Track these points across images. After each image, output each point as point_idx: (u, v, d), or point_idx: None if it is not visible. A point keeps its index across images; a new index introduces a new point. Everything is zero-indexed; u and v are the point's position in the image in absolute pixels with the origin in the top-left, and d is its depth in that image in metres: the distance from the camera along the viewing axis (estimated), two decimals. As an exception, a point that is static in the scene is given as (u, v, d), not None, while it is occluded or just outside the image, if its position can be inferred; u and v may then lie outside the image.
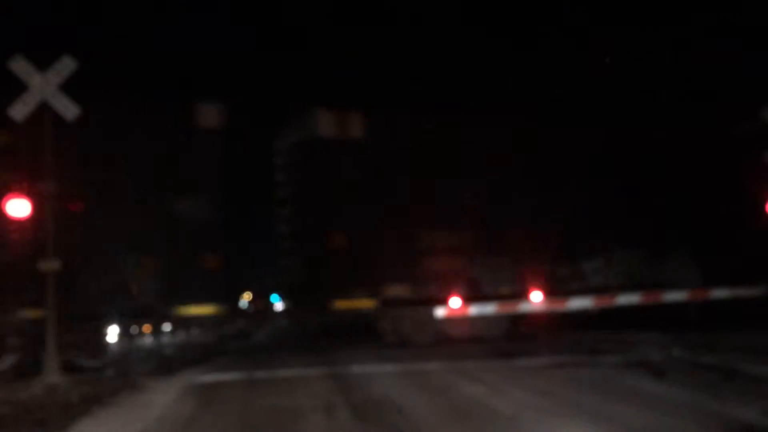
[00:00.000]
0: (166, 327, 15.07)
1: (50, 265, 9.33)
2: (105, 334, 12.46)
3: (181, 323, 14.12)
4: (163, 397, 8.11)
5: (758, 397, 6.69)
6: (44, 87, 9.37)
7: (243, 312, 16.23)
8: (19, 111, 9.34)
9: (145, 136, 11.33)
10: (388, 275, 12.55)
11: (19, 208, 9.43)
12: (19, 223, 9.77)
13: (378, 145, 12.45)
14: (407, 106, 13.44)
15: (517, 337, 12.80)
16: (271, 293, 15.63)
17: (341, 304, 12.28)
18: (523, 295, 12.67)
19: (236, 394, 8.12)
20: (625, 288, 13.08)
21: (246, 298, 15.57)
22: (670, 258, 13.48)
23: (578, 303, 12.88)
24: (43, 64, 9.44)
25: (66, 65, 9.48)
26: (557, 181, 12.87)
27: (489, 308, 12.52)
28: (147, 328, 14.76)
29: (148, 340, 15.16)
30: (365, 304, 12.41)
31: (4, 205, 9.42)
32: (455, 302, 12.35)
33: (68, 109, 9.46)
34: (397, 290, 12.54)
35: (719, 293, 13.12)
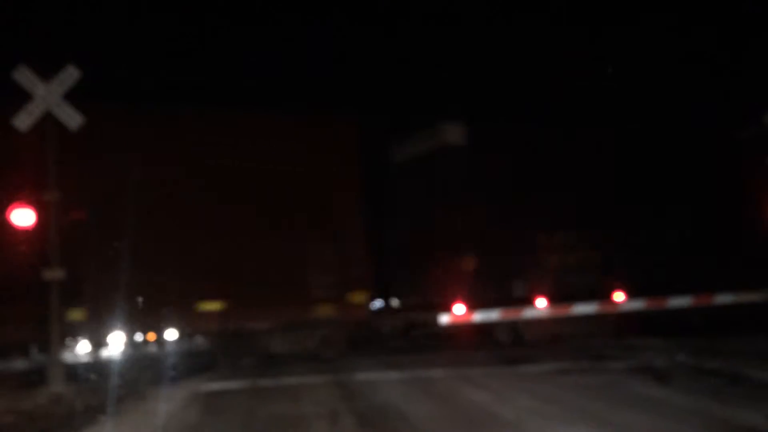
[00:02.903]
0: (171, 335, 15.05)
1: (54, 274, 9.37)
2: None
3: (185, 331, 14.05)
4: (168, 405, 8.11)
5: (763, 402, 6.69)
6: (48, 97, 9.42)
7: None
8: (23, 121, 9.38)
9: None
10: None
11: (24, 217, 9.51)
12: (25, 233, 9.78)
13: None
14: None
15: None
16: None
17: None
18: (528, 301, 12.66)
19: (241, 402, 8.12)
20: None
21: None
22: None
23: (582, 309, 12.85)
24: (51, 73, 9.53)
25: (70, 75, 9.52)
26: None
27: (493, 315, 12.50)
28: (151, 336, 14.73)
29: (152, 348, 15.14)
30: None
31: (8, 214, 9.49)
32: (459, 309, 12.33)
33: (72, 119, 9.49)
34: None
35: (723, 298, 13.09)
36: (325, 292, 11.69)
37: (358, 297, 11.90)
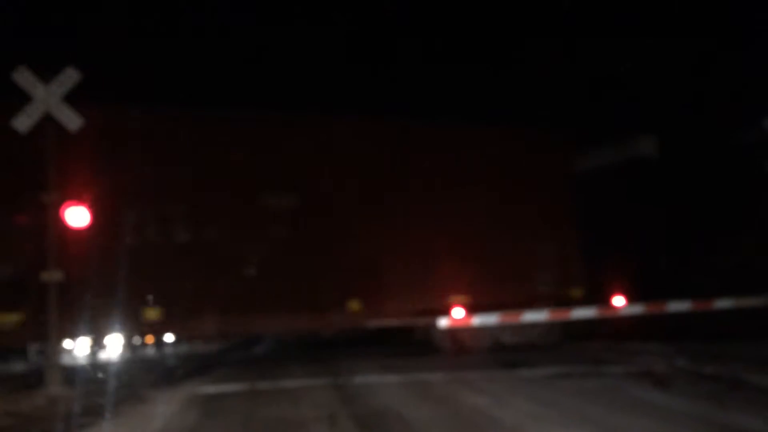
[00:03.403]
0: (169, 338, 15.04)
1: (52, 276, 9.36)
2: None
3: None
4: (166, 408, 8.09)
5: (763, 407, 6.68)
6: (48, 98, 9.41)
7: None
8: (23, 122, 9.38)
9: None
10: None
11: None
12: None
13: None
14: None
15: None
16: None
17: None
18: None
19: (239, 404, 8.10)
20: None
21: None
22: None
23: (581, 313, 12.83)
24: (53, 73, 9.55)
25: (69, 76, 9.52)
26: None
27: (492, 318, 12.48)
28: (150, 338, 14.71)
29: (150, 351, 15.13)
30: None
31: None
32: (458, 312, 12.30)
33: (72, 121, 9.49)
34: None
35: (723, 303, 13.06)
36: (546, 288, 13.16)
37: (575, 293, 13.33)
